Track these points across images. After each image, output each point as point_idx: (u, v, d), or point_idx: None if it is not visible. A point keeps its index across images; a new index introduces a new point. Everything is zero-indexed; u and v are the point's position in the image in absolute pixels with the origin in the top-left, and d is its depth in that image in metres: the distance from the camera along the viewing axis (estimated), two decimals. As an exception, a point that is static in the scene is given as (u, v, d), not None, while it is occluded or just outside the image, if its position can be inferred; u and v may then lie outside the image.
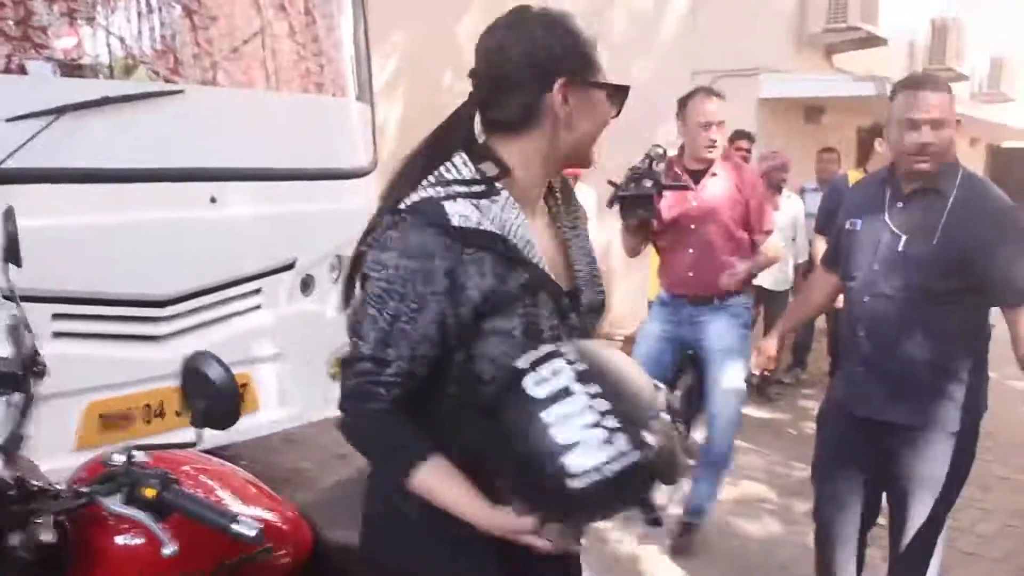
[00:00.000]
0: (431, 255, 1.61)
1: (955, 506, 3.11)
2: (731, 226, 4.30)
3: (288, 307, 3.94)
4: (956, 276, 2.86)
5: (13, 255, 2.13)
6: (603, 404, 1.50)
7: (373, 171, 4.39)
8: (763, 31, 8.67)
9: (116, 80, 3.54)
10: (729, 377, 4.25)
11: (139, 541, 1.81)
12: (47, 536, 1.69)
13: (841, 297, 3.30)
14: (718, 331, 4.30)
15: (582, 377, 1.53)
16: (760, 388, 7.03)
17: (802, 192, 7.75)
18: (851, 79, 9.00)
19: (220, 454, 2.42)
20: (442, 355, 1.67)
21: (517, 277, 1.68)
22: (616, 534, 4.57)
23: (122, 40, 3.56)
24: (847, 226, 3.11)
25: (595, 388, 1.51)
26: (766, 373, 3.76)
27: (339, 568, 2.11)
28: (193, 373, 1.74)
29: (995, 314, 3.00)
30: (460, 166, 1.71)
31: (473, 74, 1.76)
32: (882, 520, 3.31)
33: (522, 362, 1.59)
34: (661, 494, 1.59)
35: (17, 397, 1.97)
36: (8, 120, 3.06)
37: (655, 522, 1.58)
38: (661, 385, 1.63)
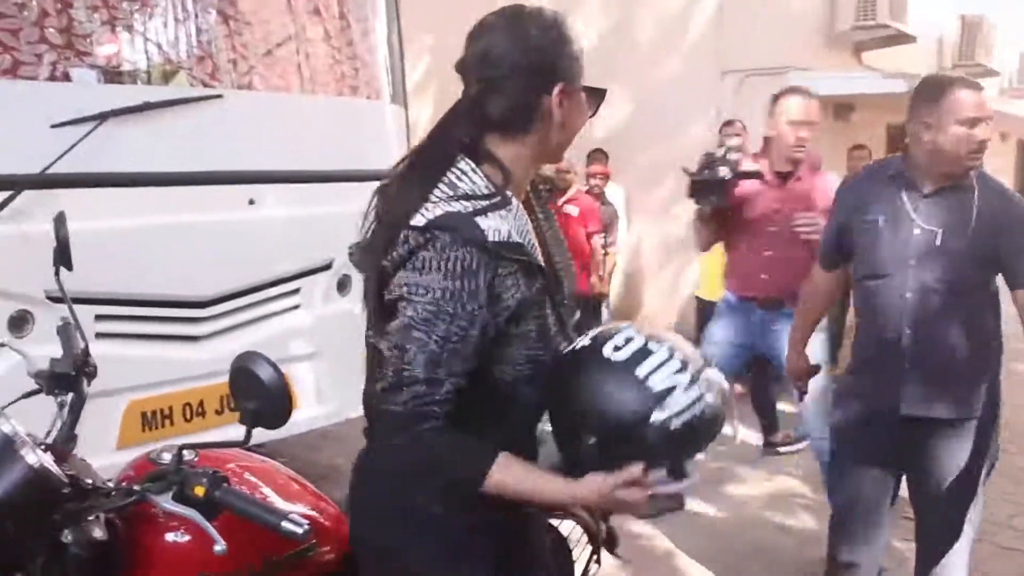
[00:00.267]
0: (475, 273, 1.63)
1: (988, 500, 3.13)
2: None
3: (325, 307, 3.98)
4: (989, 266, 3.00)
5: (64, 258, 2.18)
6: (679, 355, 1.71)
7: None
8: (791, 30, 8.65)
9: (156, 86, 3.59)
10: (815, 389, 3.99)
11: (188, 538, 1.85)
12: (99, 533, 1.74)
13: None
14: None
15: (651, 339, 1.73)
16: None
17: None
18: (880, 76, 8.96)
19: (259, 451, 2.46)
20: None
21: (536, 283, 1.73)
22: (648, 528, 4.60)
23: (161, 47, 3.61)
24: (863, 224, 3.09)
25: (667, 346, 1.72)
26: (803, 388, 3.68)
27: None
28: (243, 373, 1.75)
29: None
30: (471, 174, 1.72)
31: (463, 72, 1.78)
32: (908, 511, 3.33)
33: (586, 340, 1.75)
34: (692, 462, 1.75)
35: (70, 397, 2.02)
36: (53, 126, 3.12)
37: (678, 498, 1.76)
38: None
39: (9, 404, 1.89)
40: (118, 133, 3.27)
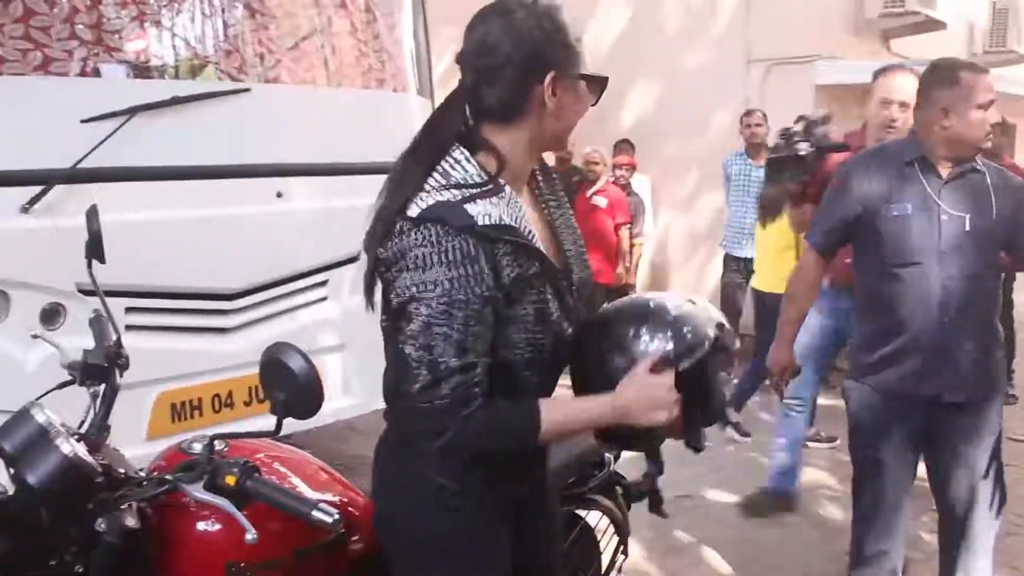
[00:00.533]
0: (475, 258, 1.68)
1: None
2: None
3: (352, 299, 3.98)
4: (1010, 247, 3.12)
5: (97, 252, 2.21)
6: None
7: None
8: (819, 17, 8.57)
9: (185, 80, 3.62)
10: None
11: (218, 527, 1.88)
12: (132, 522, 1.76)
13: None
14: None
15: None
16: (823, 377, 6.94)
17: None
18: (909, 64, 8.86)
19: (288, 442, 2.48)
20: None
21: (531, 266, 1.77)
22: (673, 518, 4.61)
23: (189, 41, 3.64)
24: (890, 214, 3.06)
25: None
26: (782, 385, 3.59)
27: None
28: (274, 364, 1.77)
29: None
30: (464, 163, 1.77)
31: (461, 61, 1.81)
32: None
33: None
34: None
35: (102, 388, 2.05)
36: (83, 121, 3.15)
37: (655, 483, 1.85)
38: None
39: (43, 395, 1.91)
40: (147, 127, 3.30)
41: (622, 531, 2.95)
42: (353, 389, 4.06)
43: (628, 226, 7.57)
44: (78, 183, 3.12)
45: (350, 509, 2.10)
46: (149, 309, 3.43)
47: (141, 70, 3.54)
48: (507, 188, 1.78)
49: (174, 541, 1.88)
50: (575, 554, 2.76)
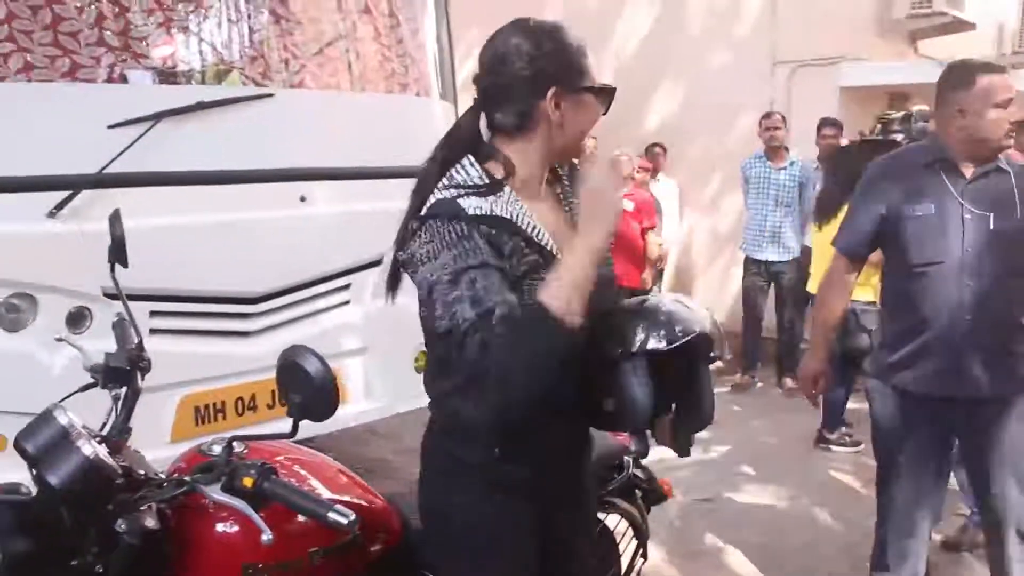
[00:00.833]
0: (469, 235, 1.79)
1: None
2: None
3: (375, 302, 4.00)
4: None
5: (120, 256, 2.24)
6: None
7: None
8: (845, 18, 8.51)
9: (210, 86, 3.65)
10: None
11: (236, 528, 1.90)
12: (151, 523, 1.79)
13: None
14: None
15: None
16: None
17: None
18: (937, 65, 8.77)
19: (309, 444, 2.51)
20: None
21: (526, 257, 1.85)
22: (695, 520, 4.60)
23: (214, 47, 3.67)
24: (913, 215, 3.06)
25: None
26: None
27: (427, 557, 2.17)
28: (290, 366, 1.80)
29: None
30: (468, 168, 1.89)
31: (476, 81, 1.95)
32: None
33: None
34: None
35: (124, 391, 2.08)
36: (110, 127, 3.19)
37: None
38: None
39: (66, 397, 1.95)
40: (173, 133, 3.34)
41: (641, 534, 2.95)
42: (375, 393, 4.07)
43: (654, 230, 7.53)
44: (104, 188, 3.16)
45: (368, 512, 2.12)
46: (174, 313, 3.46)
47: (167, 76, 3.58)
48: (507, 189, 1.89)
49: (192, 542, 1.91)
50: (594, 557, 2.76)
